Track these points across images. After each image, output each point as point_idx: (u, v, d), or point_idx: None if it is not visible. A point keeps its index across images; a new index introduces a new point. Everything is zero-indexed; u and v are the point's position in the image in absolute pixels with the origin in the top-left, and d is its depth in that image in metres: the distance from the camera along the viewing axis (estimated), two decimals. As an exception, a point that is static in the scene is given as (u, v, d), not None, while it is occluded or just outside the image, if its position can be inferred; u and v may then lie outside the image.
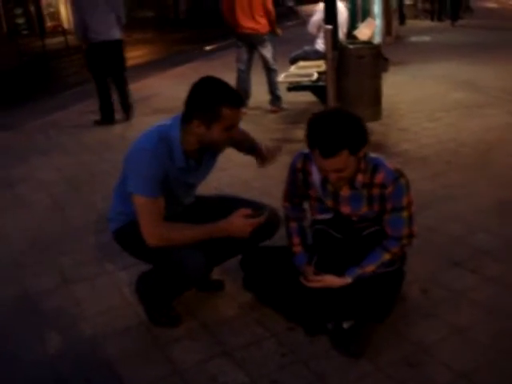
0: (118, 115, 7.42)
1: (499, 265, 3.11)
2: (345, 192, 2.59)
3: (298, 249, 2.79)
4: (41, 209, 4.59)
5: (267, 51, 7.09)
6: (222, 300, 2.99)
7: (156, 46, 19.96)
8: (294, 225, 2.84)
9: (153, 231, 2.52)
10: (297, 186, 2.76)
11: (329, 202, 2.67)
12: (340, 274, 2.58)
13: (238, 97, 2.51)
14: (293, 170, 2.74)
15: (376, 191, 2.53)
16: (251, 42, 7.05)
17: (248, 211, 2.56)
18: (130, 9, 28.02)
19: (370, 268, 2.57)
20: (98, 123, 7.36)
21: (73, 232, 4.06)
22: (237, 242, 2.66)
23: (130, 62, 15.10)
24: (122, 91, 7.51)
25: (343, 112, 2.45)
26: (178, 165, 2.56)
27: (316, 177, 2.63)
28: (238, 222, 2.53)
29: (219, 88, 2.47)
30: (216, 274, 3.10)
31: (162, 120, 2.66)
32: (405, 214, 2.53)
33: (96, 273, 3.41)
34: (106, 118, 7.40)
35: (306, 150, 2.61)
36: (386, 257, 2.58)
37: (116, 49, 7.16)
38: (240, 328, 2.74)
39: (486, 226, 3.58)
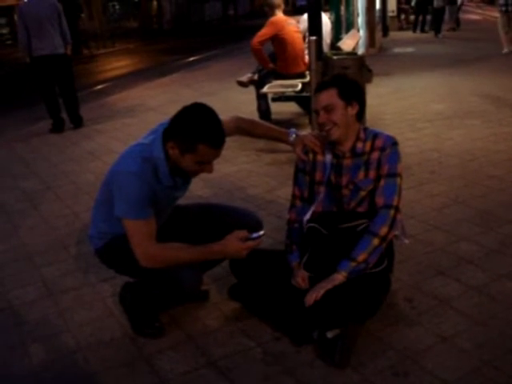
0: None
1: (482, 274, 3.13)
2: (347, 162, 2.75)
3: (295, 248, 2.83)
4: (24, 219, 4.55)
5: None
6: (206, 310, 2.98)
7: (140, 56, 19.93)
8: (297, 226, 2.88)
9: (147, 253, 2.49)
10: (305, 173, 2.85)
11: (332, 177, 2.77)
12: (329, 271, 2.60)
13: (219, 138, 2.45)
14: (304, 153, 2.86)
15: (375, 155, 2.70)
16: None
17: (244, 233, 2.55)
18: (113, 20, 28.14)
19: (361, 257, 2.57)
20: (51, 131, 7.65)
21: (56, 242, 4.03)
22: None
23: (113, 73, 15.30)
24: (68, 105, 7.78)
25: None
26: (165, 184, 2.55)
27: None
28: (235, 245, 2.53)
29: (205, 123, 2.41)
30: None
31: (140, 138, 2.64)
32: (398, 180, 2.67)
33: (79, 283, 3.39)
34: (56, 128, 7.67)
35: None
36: (375, 242, 2.58)
37: (60, 63, 7.41)
38: (225, 338, 2.73)
39: (468, 236, 3.60)
